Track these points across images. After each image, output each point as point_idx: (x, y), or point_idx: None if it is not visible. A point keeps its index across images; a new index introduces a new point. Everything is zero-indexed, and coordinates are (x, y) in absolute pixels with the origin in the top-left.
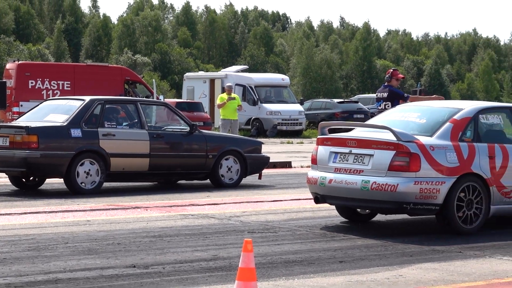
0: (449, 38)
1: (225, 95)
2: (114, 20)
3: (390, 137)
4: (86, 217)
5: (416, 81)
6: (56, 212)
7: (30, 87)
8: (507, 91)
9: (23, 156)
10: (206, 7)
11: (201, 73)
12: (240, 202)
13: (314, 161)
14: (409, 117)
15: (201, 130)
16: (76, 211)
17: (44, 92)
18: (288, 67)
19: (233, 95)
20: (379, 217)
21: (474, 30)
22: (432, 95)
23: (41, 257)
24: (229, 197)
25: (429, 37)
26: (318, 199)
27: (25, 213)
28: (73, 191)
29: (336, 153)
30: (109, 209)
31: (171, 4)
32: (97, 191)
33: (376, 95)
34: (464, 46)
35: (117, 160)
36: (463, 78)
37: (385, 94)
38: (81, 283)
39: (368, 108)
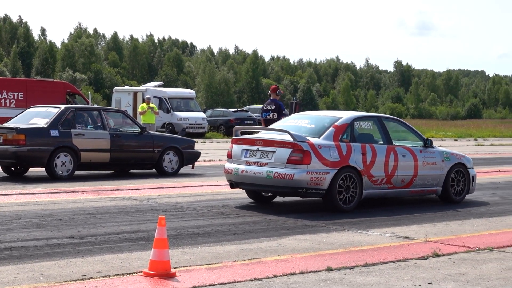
0: (318, 63)
1: (145, 105)
2: (59, 45)
3: (288, 138)
4: (35, 199)
5: (292, 95)
6: (11, 194)
7: None
8: (361, 104)
9: (14, 151)
10: (131, 36)
11: (126, 87)
12: (156, 188)
13: (229, 156)
14: (302, 123)
15: (148, 131)
16: (27, 194)
17: (2, 101)
18: (194, 84)
19: (151, 104)
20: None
21: (337, 57)
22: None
23: None
24: (148, 184)
25: (303, 62)
26: (232, 185)
27: None
28: (52, 177)
29: (247, 150)
30: (53, 193)
31: (103, 33)
32: (70, 178)
33: (265, 107)
34: (329, 69)
35: (85, 153)
36: (329, 94)
37: (273, 106)
38: (31, 250)
39: (256, 116)
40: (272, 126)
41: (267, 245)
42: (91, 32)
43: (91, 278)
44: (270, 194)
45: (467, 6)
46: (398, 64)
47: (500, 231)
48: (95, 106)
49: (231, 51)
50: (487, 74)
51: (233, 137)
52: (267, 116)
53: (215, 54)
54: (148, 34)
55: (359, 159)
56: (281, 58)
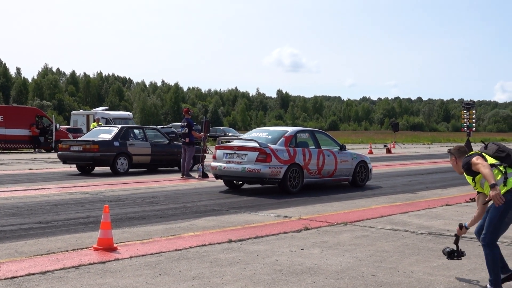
0: (222, 91)
1: (95, 123)
2: (30, 80)
3: (256, 145)
4: (12, 195)
5: (204, 115)
6: None
7: None
8: (253, 121)
9: (91, 155)
10: (85, 73)
11: (81, 111)
12: (103, 184)
13: (214, 157)
14: (262, 135)
15: (173, 142)
16: (5, 191)
17: None
18: (132, 108)
19: (100, 123)
20: (176, 192)
21: (236, 87)
22: (201, 133)
23: None
24: (98, 181)
25: (211, 91)
26: (217, 176)
27: None
28: (115, 173)
29: (227, 153)
30: (25, 190)
31: (64, 71)
32: (127, 173)
33: (181, 124)
34: (230, 96)
35: (136, 157)
36: (230, 114)
37: (185, 123)
38: (7, 233)
39: (177, 131)
40: (242, 137)
41: (185, 224)
42: (55, 70)
43: (53, 252)
44: (240, 182)
45: (326, 50)
46: (279, 92)
47: (352, 210)
48: (140, 126)
49: (159, 83)
50: (342, 98)
51: (216, 145)
52: (182, 131)
53: (147, 86)
54: (98, 71)
55: (301, 158)
56: (195, 88)
